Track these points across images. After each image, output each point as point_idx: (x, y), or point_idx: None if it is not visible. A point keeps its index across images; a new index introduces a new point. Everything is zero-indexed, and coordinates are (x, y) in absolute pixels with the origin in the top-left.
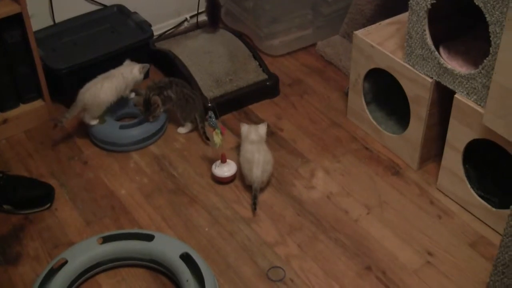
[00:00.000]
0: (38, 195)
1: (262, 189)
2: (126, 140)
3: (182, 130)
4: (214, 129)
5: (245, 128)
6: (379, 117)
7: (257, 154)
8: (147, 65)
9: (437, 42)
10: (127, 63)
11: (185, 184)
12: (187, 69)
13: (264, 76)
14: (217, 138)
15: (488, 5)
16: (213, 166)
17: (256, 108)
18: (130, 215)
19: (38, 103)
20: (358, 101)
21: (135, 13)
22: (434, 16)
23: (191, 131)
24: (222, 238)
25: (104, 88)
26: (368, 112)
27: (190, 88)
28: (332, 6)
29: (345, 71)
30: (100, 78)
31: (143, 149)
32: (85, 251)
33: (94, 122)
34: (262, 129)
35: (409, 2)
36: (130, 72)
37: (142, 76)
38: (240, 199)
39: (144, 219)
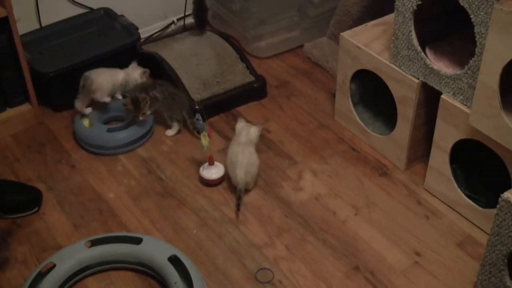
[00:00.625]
0: (26, 199)
1: (248, 191)
2: (114, 143)
3: (170, 132)
4: (202, 132)
5: (239, 125)
6: (366, 118)
7: (240, 156)
8: (147, 71)
9: (424, 43)
10: (133, 65)
11: (173, 187)
12: (174, 72)
13: (251, 78)
14: (204, 140)
15: (473, 6)
16: (201, 169)
17: (243, 110)
18: (118, 218)
19: (25, 107)
20: (345, 102)
21: (122, 16)
22: (420, 17)
23: (178, 132)
24: (210, 240)
25: (106, 76)
26: (355, 113)
27: (174, 87)
28: (319, 8)
29: (332, 72)
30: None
31: (130, 152)
32: (73, 255)
33: (87, 111)
34: (253, 131)
35: (395, 4)
36: (131, 74)
37: (142, 80)
38: (228, 201)
39: (132, 222)
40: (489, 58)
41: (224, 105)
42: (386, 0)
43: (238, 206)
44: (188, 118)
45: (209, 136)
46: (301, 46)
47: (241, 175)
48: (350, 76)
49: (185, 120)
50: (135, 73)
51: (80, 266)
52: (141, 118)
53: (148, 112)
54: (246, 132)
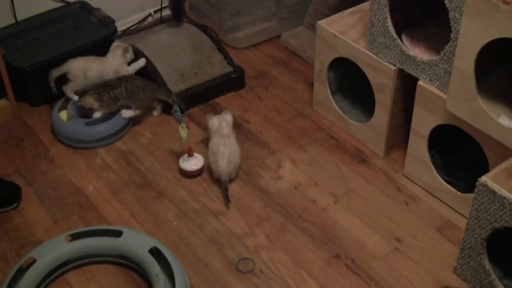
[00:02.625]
0: (5, 194)
1: (231, 181)
2: (92, 137)
3: (128, 113)
4: (180, 123)
5: (214, 121)
6: (345, 106)
7: (222, 147)
8: (128, 46)
9: (400, 30)
10: (116, 44)
11: (152, 179)
12: (151, 64)
13: (229, 68)
14: (183, 132)
15: None
16: (180, 160)
17: (222, 101)
18: (98, 212)
19: (2, 103)
20: (323, 91)
21: (98, 9)
22: (396, 4)
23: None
24: (191, 231)
25: (93, 67)
26: (333, 102)
27: (140, 78)
28: None
29: (310, 61)
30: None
31: (109, 145)
32: (53, 249)
33: (75, 97)
34: (228, 117)
35: None
36: (110, 62)
37: (128, 55)
38: (208, 192)
39: (112, 215)
40: (464, 43)
41: (202, 96)
42: None
43: (227, 198)
44: (167, 98)
45: (187, 127)
46: (278, 36)
47: (223, 166)
48: (328, 65)
49: (167, 104)
50: (116, 54)
51: (61, 260)
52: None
53: (100, 114)
54: (225, 121)
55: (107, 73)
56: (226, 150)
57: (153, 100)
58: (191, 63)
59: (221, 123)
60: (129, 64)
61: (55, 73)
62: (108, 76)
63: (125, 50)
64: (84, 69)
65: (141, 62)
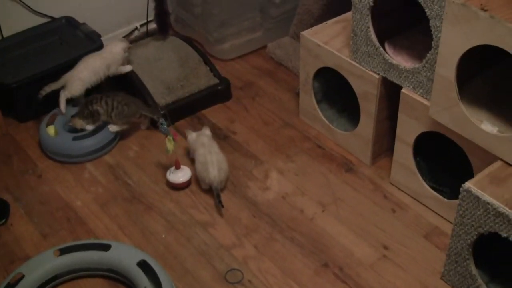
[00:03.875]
0: None
1: (222, 189)
2: (80, 151)
3: (113, 128)
4: (166, 136)
5: (193, 135)
6: (331, 115)
7: (209, 156)
8: (130, 47)
9: (383, 38)
10: (118, 40)
11: (140, 192)
12: (138, 78)
13: (215, 80)
14: (169, 144)
15: (427, 0)
16: (168, 173)
17: (208, 113)
18: (86, 226)
19: None
20: (309, 100)
21: (84, 24)
22: (378, 13)
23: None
24: (179, 243)
25: (81, 66)
26: (319, 111)
27: (122, 94)
28: (280, 8)
29: (296, 71)
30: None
31: (97, 159)
32: (42, 264)
33: (62, 108)
34: (207, 132)
35: (352, 0)
36: (110, 51)
37: (126, 54)
38: (196, 204)
39: (100, 229)
40: (445, 51)
41: (189, 109)
42: None
43: (220, 204)
44: (152, 114)
45: (174, 140)
46: (264, 47)
47: (214, 173)
48: (313, 74)
49: (153, 120)
50: (114, 50)
51: (49, 275)
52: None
53: (92, 127)
54: (202, 133)
55: (98, 66)
56: (214, 158)
57: (137, 115)
58: (178, 76)
59: (199, 136)
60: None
61: (49, 88)
62: (99, 70)
63: (127, 48)
64: (72, 71)
65: (128, 68)
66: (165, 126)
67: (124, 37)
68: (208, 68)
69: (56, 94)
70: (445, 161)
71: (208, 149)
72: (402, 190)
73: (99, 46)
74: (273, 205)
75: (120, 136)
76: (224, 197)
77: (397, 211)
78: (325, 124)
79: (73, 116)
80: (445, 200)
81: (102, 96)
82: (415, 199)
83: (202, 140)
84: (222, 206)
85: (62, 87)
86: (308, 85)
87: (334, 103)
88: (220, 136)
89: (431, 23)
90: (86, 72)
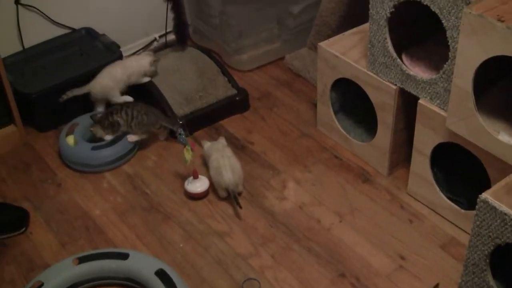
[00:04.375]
0: (13, 219)
1: (239, 194)
2: (99, 161)
3: (133, 138)
4: (185, 146)
5: (207, 144)
6: (348, 126)
7: (221, 160)
8: (158, 59)
9: (400, 49)
10: (146, 53)
11: (158, 202)
12: (156, 88)
13: (233, 91)
14: (187, 154)
15: (444, 11)
16: (186, 183)
17: (226, 123)
18: (105, 235)
19: (10, 129)
20: (326, 111)
21: (104, 35)
22: (396, 24)
23: (167, 138)
24: (197, 253)
25: (103, 74)
26: (336, 122)
27: (142, 104)
28: (298, 19)
29: (313, 82)
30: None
31: (116, 169)
32: (61, 273)
33: (100, 109)
34: (222, 141)
35: (369, 12)
36: (136, 61)
37: (153, 68)
38: (213, 213)
39: (118, 238)
40: (462, 62)
41: (207, 119)
42: (363, 8)
43: (238, 205)
44: (170, 125)
45: (192, 150)
46: (282, 58)
47: (229, 176)
48: (330, 85)
49: (172, 131)
50: (140, 61)
51: (68, 283)
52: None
53: (111, 137)
54: (220, 143)
55: (120, 75)
56: (226, 162)
57: (157, 126)
58: (196, 86)
59: (214, 144)
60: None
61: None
62: (117, 77)
63: (154, 61)
64: (95, 80)
65: (146, 79)
66: (183, 136)
67: (143, 48)
68: (226, 78)
69: (76, 104)
70: (462, 172)
71: (221, 153)
72: (419, 201)
73: (119, 57)
74: (290, 215)
75: (139, 146)
76: (242, 205)
77: (414, 222)
78: (342, 134)
79: (94, 124)
80: (462, 210)
81: (122, 107)
82: (432, 209)
83: (216, 147)
84: (240, 207)
85: (84, 94)
86: (325, 95)
87: (351, 114)
88: (238, 146)
89: (448, 34)
90: (108, 80)
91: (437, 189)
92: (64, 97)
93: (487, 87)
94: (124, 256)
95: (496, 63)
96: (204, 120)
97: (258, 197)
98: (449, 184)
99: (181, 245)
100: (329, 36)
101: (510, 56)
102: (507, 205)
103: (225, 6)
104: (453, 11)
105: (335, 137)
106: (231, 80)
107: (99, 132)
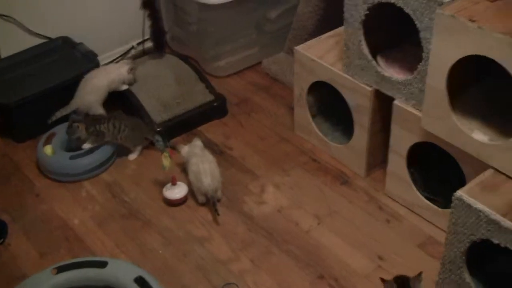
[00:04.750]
0: None
1: (218, 200)
2: (77, 170)
3: (132, 156)
4: (163, 153)
5: (185, 148)
6: (325, 129)
7: (201, 165)
8: (134, 67)
9: (376, 51)
10: (123, 61)
11: (137, 209)
12: (134, 96)
13: (211, 97)
14: (166, 161)
15: (417, 12)
16: (164, 189)
17: (205, 129)
18: (84, 244)
19: None
20: (303, 114)
21: (81, 44)
22: (371, 26)
23: (140, 153)
24: (176, 259)
25: (86, 88)
26: (314, 125)
27: (131, 117)
28: (275, 24)
29: (291, 86)
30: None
31: (94, 178)
32: (40, 283)
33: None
34: (198, 143)
35: (343, 15)
36: (114, 69)
37: (131, 76)
38: (193, 219)
39: (98, 247)
40: (435, 62)
41: (185, 125)
42: (339, 12)
43: (217, 212)
44: (152, 138)
45: (170, 156)
46: (260, 63)
47: (208, 181)
48: (307, 89)
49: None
50: (119, 69)
51: None
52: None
53: (89, 146)
54: (193, 145)
55: (102, 85)
56: (206, 166)
57: (142, 140)
58: (174, 93)
59: (192, 147)
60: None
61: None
62: (103, 88)
63: (132, 69)
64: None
65: (124, 86)
66: (161, 143)
67: (121, 56)
68: (204, 85)
69: (51, 115)
70: (439, 171)
71: (200, 158)
72: (396, 201)
73: (96, 65)
74: (269, 219)
75: (117, 153)
76: (220, 211)
77: (392, 222)
78: (320, 137)
79: (79, 121)
80: (439, 209)
81: (110, 118)
82: (409, 209)
83: (194, 151)
84: (218, 214)
85: (72, 112)
86: (302, 99)
87: (328, 116)
88: (216, 152)
89: (421, 35)
90: (93, 95)
91: (414, 189)
92: (53, 118)
93: (465, 87)
94: (102, 264)
95: (473, 63)
96: (183, 126)
97: (237, 202)
98: (426, 184)
99: (161, 252)
100: (306, 40)
101: (485, 56)
102: (482, 202)
103: (202, 13)
104: (426, 12)
105: (313, 140)
106: (209, 86)
107: (82, 133)
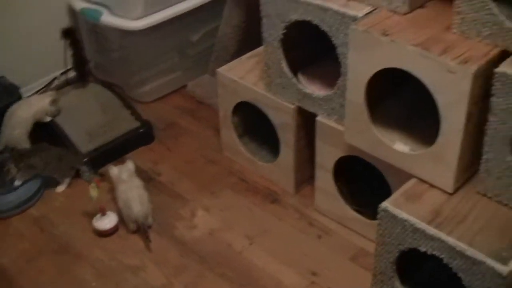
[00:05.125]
0: None
1: (149, 227)
2: (3, 207)
3: (60, 188)
4: (90, 183)
5: (114, 170)
6: (253, 148)
7: (129, 192)
8: (56, 97)
9: (297, 69)
10: (46, 93)
11: (67, 242)
12: (59, 127)
13: (137, 123)
14: (93, 191)
15: (333, 29)
16: (94, 220)
17: (132, 156)
18: (14, 283)
19: None
20: (230, 135)
21: (2, 77)
22: (291, 44)
23: (69, 185)
24: None
25: (12, 123)
26: (241, 145)
27: (56, 148)
28: (198, 47)
29: (217, 108)
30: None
31: (22, 213)
32: None
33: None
34: (130, 165)
35: (262, 35)
36: (37, 102)
37: (53, 108)
38: (125, 248)
39: (29, 285)
40: (353, 76)
41: (112, 154)
42: (258, 32)
43: (148, 238)
44: (79, 167)
45: (97, 186)
46: (185, 86)
47: (138, 208)
48: (231, 110)
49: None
50: (42, 101)
51: None
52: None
53: (20, 182)
54: (124, 169)
55: (26, 118)
56: (135, 193)
57: (70, 171)
58: (99, 122)
59: (120, 171)
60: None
61: None
62: (26, 122)
63: (53, 101)
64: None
65: (47, 118)
66: (87, 174)
67: (44, 87)
68: (130, 111)
69: None
70: (366, 183)
71: (128, 184)
72: (327, 216)
73: (18, 98)
74: (201, 243)
75: (45, 186)
76: (152, 238)
77: (323, 237)
78: (247, 157)
79: (8, 162)
80: (368, 221)
81: (37, 150)
82: (340, 223)
83: (122, 177)
84: (150, 241)
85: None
86: (228, 120)
87: (255, 136)
88: (145, 179)
89: (339, 50)
90: (18, 129)
91: (343, 202)
92: None
93: (383, 99)
94: None
95: (391, 74)
96: (110, 155)
97: (168, 228)
98: (355, 196)
99: (94, 284)
100: (228, 61)
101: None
102: (407, 212)
103: (124, 39)
104: (341, 28)
105: (241, 160)
106: (134, 113)
107: (14, 171)
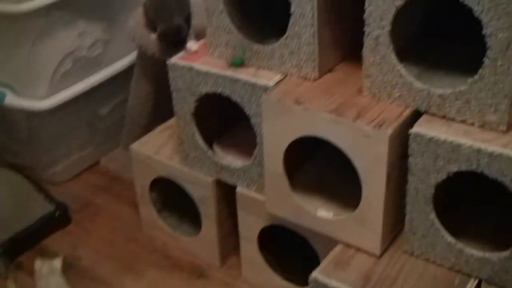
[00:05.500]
0: None
1: None
2: None
3: None
4: (6, 277)
5: (37, 263)
6: (174, 223)
7: None
8: None
9: (212, 139)
10: None
11: None
12: None
13: (51, 207)
14: (11, 285)
15: (245, 100)
16: None
17: (50, 242)
18: None
19: None
20: (149, 212)
21: None
22: (203, 116)
23: None
24: None
25: None
26: (161, 220)
27: None
28: (108, 120)
29: (133, 182)
30: None
31: None
32: None
33: None
34: (56, 262)
35: (173, 108)
36: None
37: None
38: None
39: None
40: (269, 146)
41: (28, 242)
42: (169, 104)
43: None
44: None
45: (13, 281)
46: (98, 162)
47: None
48: (148, 186)
49: None
50: None
51: None
52: None
53: None
54: (47, 264)
55: None
56: None
57: None
58: (10, 210)
59: (43, 265)
60: None
61: None
62: None
63: None
64: None
65: None
66: (2, 268)
67: None
68: (43, 195)
69: None
70: (293, 249)
71: (45, 282)
72: (255, 285)
73: None
74: None
75: None
76: None
77: None
78: (169, 232)
79: None
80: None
81: None
82: None
83: (43, 271)
84: None
85: None
86: (145, 197)
87: (175, 209)
88: (65, 265)
89: (252, 121)
90: None
91: (271, 271)
92: None
93: (304, 164)
94: None
95: (305, 142)
96: (25, 244)
97: None
98: (282, 264)
99: None
100: (141, 135)
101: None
102: (337, 280)
103: (30, 121)
104: (253, 99)
105: (162, 236)
106: (47, 196)
107: None
